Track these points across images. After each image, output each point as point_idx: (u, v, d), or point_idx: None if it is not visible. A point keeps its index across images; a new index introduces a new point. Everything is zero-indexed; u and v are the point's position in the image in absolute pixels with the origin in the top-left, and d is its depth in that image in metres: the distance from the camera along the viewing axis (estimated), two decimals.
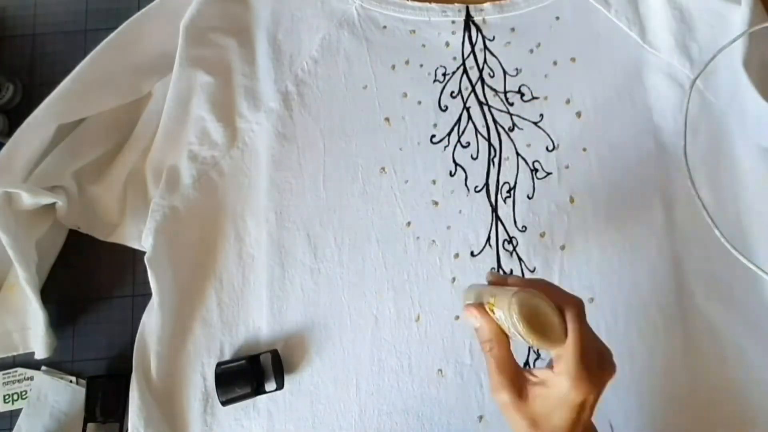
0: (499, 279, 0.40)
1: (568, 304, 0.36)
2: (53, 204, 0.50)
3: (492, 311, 0.37)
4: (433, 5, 0.56)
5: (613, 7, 0.56)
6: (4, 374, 0.52)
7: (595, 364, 0.35)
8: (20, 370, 0.52)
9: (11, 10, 0.58)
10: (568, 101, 0.55)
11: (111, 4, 0.59)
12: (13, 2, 0.59)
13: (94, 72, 0.52)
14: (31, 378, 0.52)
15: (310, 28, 0.56)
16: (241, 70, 0.55)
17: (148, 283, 0.50)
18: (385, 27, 0.56)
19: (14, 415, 0.51)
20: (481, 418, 0.50)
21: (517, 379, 0.36)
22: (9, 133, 0.55)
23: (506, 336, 0.37)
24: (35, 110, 0.50)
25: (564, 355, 0.35)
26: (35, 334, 0.50)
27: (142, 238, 0.51)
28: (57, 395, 0.52)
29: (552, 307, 0.35)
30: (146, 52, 0.54)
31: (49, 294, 0.51)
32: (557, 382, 0.35)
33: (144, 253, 0.50)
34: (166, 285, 0.50)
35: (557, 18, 0.56)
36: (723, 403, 0.49)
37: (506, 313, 0.35)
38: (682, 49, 0.54)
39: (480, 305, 0.38)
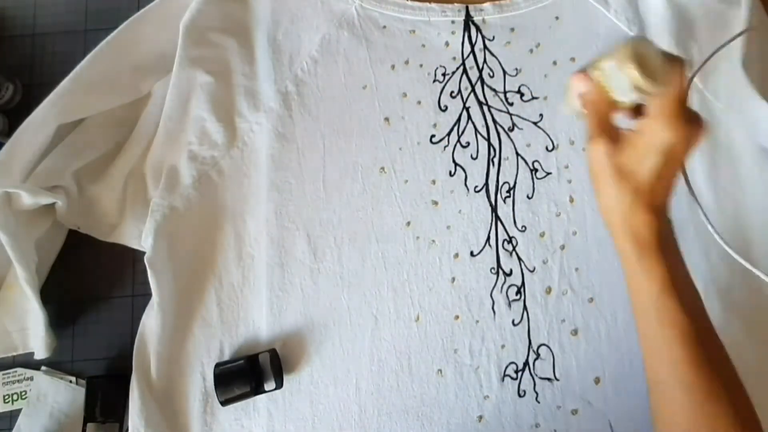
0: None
1: (674, 57, 0.37)
2: (53, 204, 0.50)
3: (597, 69, 0.38)
4: (433, 5, 0.56)
5: (612, 7, 0.56)
6: (3, 374, 0.52)
7: (689, 113, 0.36)
8: (20, 370, 0.53)
9: (11, 11, 0.58)
10: None
11: (111, 4, 0.59)
12: (13, 2, 0.59)
13: (93, 72, 0.52)
14: (31, 378, 0.52)
15: (310, 28, 0.56)
16: (241, 70, 0.55)
17: (148, 283, 0.50)
18: (384, 27, 0.56)
19: (14, 415, 0.51)
20: (480, 418, 0.50)
21: (614, 132, 0.38)
22: (9, 133, 0.55)
23: (609, 98, 0.38)
24: (35, 110, 0.50)
25: (664, 97, 0.36)
26: (35, 334, 0.50)
27: (141, 238, 0.51)
28: (57, 395, 0.52)
29: (661, 55, 0.37)
30: (146, 52, 0.54)
31: (49, 294, 0.51)
32: (652, 124, 0.36)
33: (144, 253, 0.50)
34: (166, 285, 0.50)
35: (557, 18, 0.56)
36: None
37: (617, 59, 0.37)
38: (683, 49, 0.54)
39: (584, 72, 0.39)
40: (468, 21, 0.56)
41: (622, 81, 0.37)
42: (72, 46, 0.58)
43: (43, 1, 0.59)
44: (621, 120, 0.40)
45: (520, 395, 0.50)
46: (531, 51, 0.56)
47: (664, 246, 0.38)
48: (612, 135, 0.38)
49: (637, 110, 0.39)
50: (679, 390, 0.36)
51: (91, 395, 0.50)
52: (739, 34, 0.51)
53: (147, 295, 0.51)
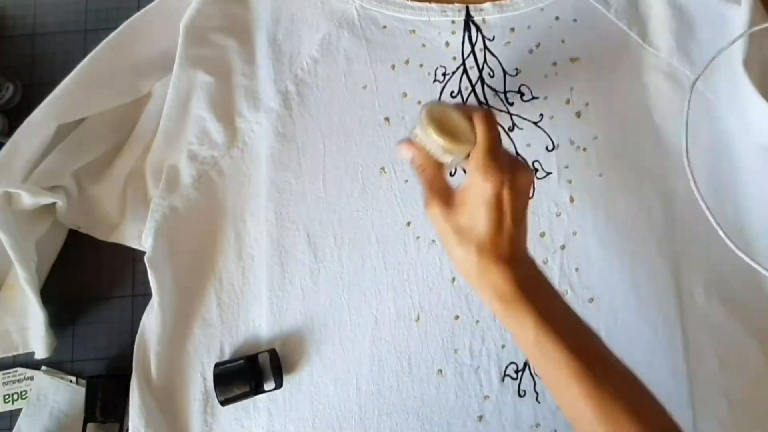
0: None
1: (476, 111, 0.40)
2: (53, 204, 0.50)
3: (415, 137, 0.41)
4: (433, 5, 0.56)
5: (613, 7, 0.56)
6: (3, 374, 0.52)
7: (506, 159, 0.38)
8: (20, 370, 0.53)
9: (11, 10, 0.58)
10: (568, 101, 0.55)
11: (111, 4, 0.59)
12: (13, 2, 0.58)
13: (93, 72, 0.52)
14: (31, 378, 0.52)
15: (310, 27, 0.56)
16: (241, 69, 0.55)
17: (148, 283, 0.50)
18: (385, 27, 0.56)
19: (14, 415, 0.51)
20: (480, 418, 0.50)
21: (446, 193, 0.40)
22: (9, 133, 0.54)
23: (435, 161, 0.41)
24: (35, 110, 0.50)
25: (474, 152, 0.38)
26: (35, 334, 0.50)
27: (142, 238, 0.51)
28: (57, 395, 0.52)
29: (461, 114, 0.40)
30: (146, 52, 0.54)
31: (49, 294, 0.51)
32: (471, 179, 0.38)
33: (144, 253, 0.50)
34: (166, 285, 0.50)
35: (557, 18, 0.56)
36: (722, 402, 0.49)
37: (421, 126, 0.40)
38: (683, 49, 0.54)
39: (408, 141, 0.42)
40: (468, 21, 0.56)
41: (434, 145, 0.40)
42: (72, 46, 0.58)
43: (43, 1, 0.59)
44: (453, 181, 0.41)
45: (520, 395, 0.50)
46: (531, 51, 0.56)
47: (528, 291, 0.37)
48: (445, 196, 0.40)
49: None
50: (588, 426, 0.35)
51: (91, 395, 0.50)
52: (741, 35, 0.51)
53: (147, 295, 0.51)
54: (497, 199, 0.37)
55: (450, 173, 0.45)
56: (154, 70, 0.55)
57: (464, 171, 0.42)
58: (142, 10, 0.54)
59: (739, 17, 0.52)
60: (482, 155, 0.37)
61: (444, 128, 0.39)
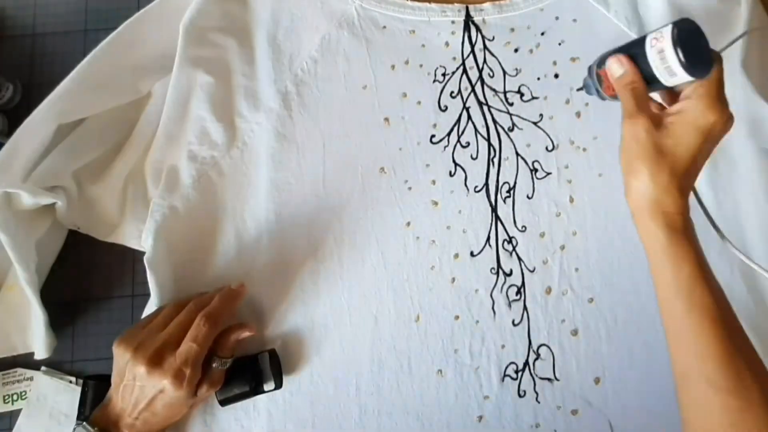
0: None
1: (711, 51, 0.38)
2: (53, 204, 0.50)
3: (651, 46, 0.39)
4: (433, 5, 0.56)
5: (612, 7, 0.56)
6: (3, 374, 0.52)
7: (727, 106, 0.38)
8: (20, 370, 0.53)
9: (11, 11, 0.58)
10: (567, 101, 0.55)
11: (111, 4, 0.59)
12: (13, 2, 0.59)
13: (93, 72, 0.52)
14: (31, 378, 0.52)
15: (310, 28, 0.56)
16: (241, 70, 0.55)
17: (147, 283, 0.50)
18: (384, 27, 0.56)
19: (14, 415, 0.51)
20: (480, 418, 0.50)
21: (653, 111, 0.39)
22: (9, 133, 0.54)
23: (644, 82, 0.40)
24: (35, 110, 0.50)
25: (709, 82, 0.37)
26: (35, 334, 0.50)
27: (141, 238, 0.51)
28: (57, 395, 0.52)
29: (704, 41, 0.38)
30: (146, 52, 0.54)
31: (49, 294, 0.51)
32: (693, 104, 0.37)
33: (144, 253, 0.50)
34: (165, 285, 0.50)
35: (557, 18, 0.56)
36: None
37: (660, 43, 0.38)
38: None
39: (623, 55, 0.41)
40: (468, 21, 0.56)
41: (663, 66, 0.38)
42: (72, 46, 0.58)
43: (43, 1, 0.59)
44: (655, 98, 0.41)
45: (520, 395, 0.50)
46: (531, 51, 0.56)
47: (692, 230, 0.38)
48: (651, 114, 0.39)
49: (671, 95, 0.40)
50: (704, 383, 0.36)
51: (84, 396, 0.50)
52: (740, 36, 0.51)
53: (147, 295, 0.51)
54: (711, 133, 0.37)
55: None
56: (154, 70, 0.55)
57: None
58: (142, 11, 0.54)
59: (739, 17, 0.52)
60: (715, 87, 0.38)
61: (686, 49, 0.37)
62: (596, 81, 0.45)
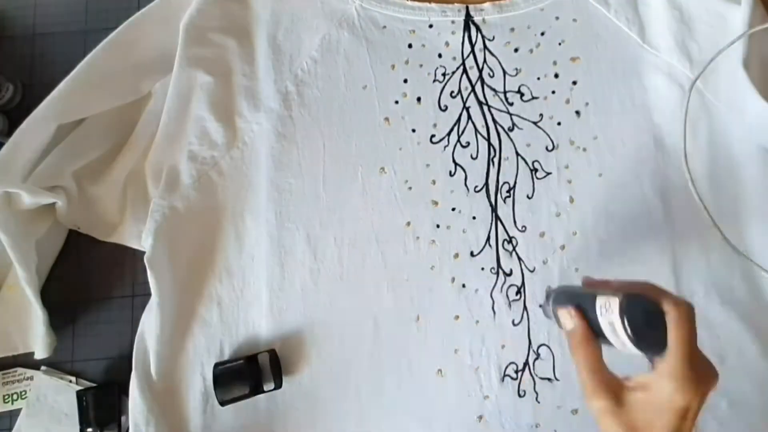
0: (599, 283, 0.39)
1: (673, 306, 0.34)
2: (53, 204, 0.50)
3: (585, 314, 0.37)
4: (433, 5, 0.56)
5: (612, 7, 0.56)
6: (3, 374, 0.52)
7: (701, 365, 0.34)
8: (20, 370, 0.53)
9: (11, 11, 0.59)
10: (567, 101, 0.55)
11: (110, 5, 0.59)
12: (13, 3, 0.59)
13: (93, 72, 0.52)
14: (31, 378, 0.52)
15: (310, 28, 0.56)
16: (241, 70, 0.55)
17: (148, 283, 0.50)
18: (384, 27, 0.56)
19: (14, 415, 0.52)
20: (480, 417, 0.50)
21: (612, 384, 0.35)
22: (9, 133, 0.55)
23: (597, 343, 0.37)
24: (35, 110, 0.50)
25: (668, 357, 0.33)
26: (35, 334, 0.50)
27: (142, 238, 0.51)
28: (57, 395, 0.52)
29: (657, 309, 0.34)
30: (146, 52, 0.54)
31: (49, 294, 0.51)
32: (660, 385, 0.33)
33: (144, 253, 0.51)
34: (166, 285, 0.50)
35: (557, 18, 0.56)
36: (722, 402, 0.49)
37: (607, 309, 0.35)
38: (682, 49, 0.54)
39: (577, 307, 0.38)
40: (468, 21, 0.56)
41: (617, 341, 0.35)
42: (72, 46, 0.58)
43: (43, 2, 0.59)
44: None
45: (520, 395, 0.50)
46: (531, 51, 0.56)
47: None
48: (612, 388, 0.35)
49: None
50: None
51: (83, 409, 0.50)
52: (741, 36, 0.51)
53: (147, 295, 0.51)
54: (686, 411, 0.33)
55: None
56: (155, 70, 0.55)
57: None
58: (142, 11, 0.54)
59: (739, 17, 0.53)
60: (681, 365, 0.33)
61: (633, 323, 0.34)
62: (552, 314, 0.42)
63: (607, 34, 0.56)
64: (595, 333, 0.37)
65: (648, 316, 0.34)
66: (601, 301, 0.36)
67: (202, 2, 0.54)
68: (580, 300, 0.38)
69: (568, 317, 0.38)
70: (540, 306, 0.48)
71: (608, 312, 0.35)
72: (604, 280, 0.40)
